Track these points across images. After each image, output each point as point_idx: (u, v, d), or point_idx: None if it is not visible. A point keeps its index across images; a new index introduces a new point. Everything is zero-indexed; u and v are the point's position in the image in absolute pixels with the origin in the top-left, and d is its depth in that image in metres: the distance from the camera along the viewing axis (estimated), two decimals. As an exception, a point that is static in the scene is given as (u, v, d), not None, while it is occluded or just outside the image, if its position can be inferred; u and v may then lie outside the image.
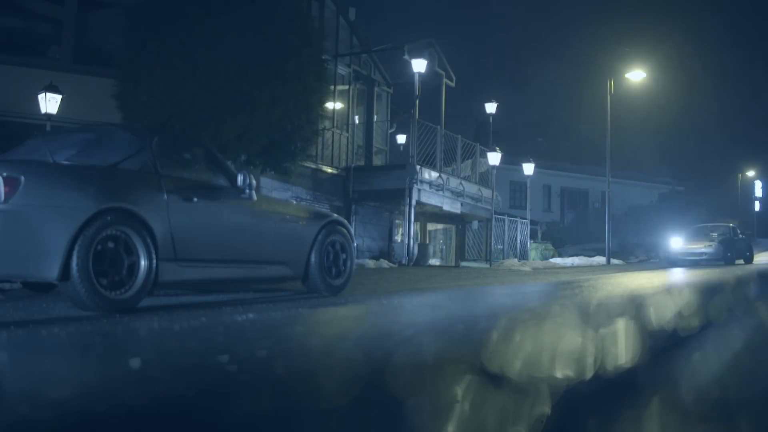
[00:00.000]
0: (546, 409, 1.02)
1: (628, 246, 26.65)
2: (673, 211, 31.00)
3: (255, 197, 5.33)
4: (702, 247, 18.19)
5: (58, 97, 11.97)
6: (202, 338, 1.60)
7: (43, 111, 11.88)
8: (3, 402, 0.82)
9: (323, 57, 11.79)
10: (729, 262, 17.76)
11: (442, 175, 17.60)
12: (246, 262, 5.35)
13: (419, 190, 16.76)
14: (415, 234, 18.53)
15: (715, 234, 19.38)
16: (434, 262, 20.41)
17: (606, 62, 24.81)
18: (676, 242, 18.73)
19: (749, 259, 19.76)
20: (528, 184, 22.19)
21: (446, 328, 1.51)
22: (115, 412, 0.77)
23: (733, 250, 18.47)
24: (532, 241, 23.32)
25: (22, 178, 3.99)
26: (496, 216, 20.72)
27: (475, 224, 21.43)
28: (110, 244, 4.21)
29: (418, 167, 16.51)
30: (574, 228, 30.14)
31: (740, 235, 20.14)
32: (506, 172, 25.45)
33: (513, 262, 18.40)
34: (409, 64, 16.57)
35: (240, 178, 5.22)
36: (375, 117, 19.60)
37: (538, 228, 26.62)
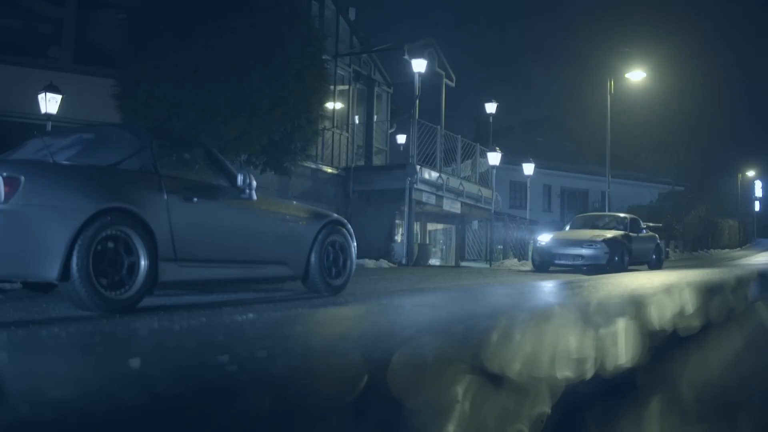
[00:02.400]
0: (546, 408, 1.02)
1: None
2: (673, 211, 31.03)
3: (255, 197, 5.33)
4: (578, 248, 13.15)
5: (58, 97, 11.97)
6: (202, 338, 1.60)
7: (43, 111, 11.87)
8: (3, 402, 0.82)
9: (323, 57, 11.79)
10: (617, 268, 12.83)
11: (442, 175, 17.61)
12: (246, 262, 5.35)
13: (419, 190, 16.77)
14: (415, 234, 18.54)
15: (602, 229, 14.47)
16: (434, 262, 20.41)
17: (606, 62, 24.85)
18: (546, 239, 13.72)
19: (656, 264, 14.93)
20: (528, 184, 22.19)
21: (446, 328, 1.51)
22: (115, 412, 0.77)
23: (624, 253, 13.29)
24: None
25: (22, 178, 3.99)
26: (496, 216, 20.74)
27: (475, 224, 21.44)
28: (110, 244, 4.21)
29: (418, 167, 16.52)
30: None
31: (644, 231, 15.23)
32: (506, 172, 25.44)
33: (513, 262, 18.40)
34: (409, 64, 16.58)
35: (240, 178, 5.22)
36: (375, 117, 19.60)
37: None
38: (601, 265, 12.82)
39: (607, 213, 18.13)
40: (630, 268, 13.60)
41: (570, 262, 13.16)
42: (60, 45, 14.62)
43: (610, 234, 13.65)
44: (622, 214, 16.15)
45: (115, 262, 4.23)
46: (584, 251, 13.06)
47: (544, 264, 13.41)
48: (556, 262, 13.28)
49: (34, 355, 1.44)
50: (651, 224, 18.05)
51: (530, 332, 1.21)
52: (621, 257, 13.12)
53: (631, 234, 14.18)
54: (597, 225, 15.08)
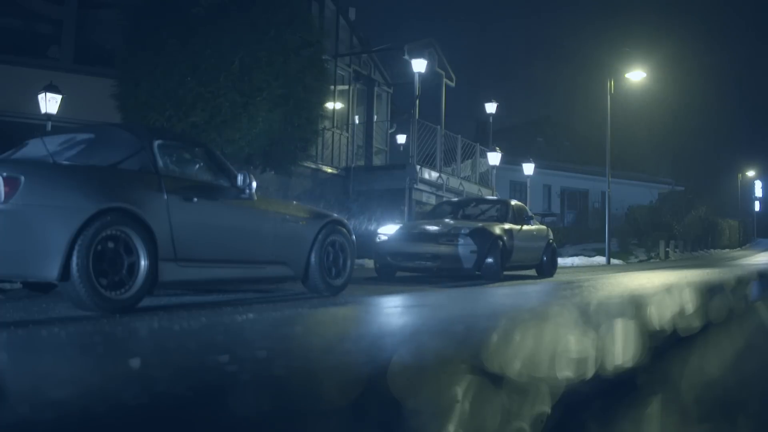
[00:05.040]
0: (546, 408, 1.02)
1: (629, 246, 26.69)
2: (673, 211, 31.03)
3: (255, 197, 5.34)
4: (432, 244, 8.86)
5: (58, 97, 11.97)
6: (202, 338, 1.60)
7: (43, 111, 11.87)
8: (3, 402, 0.82)
9: (323, 57, 11.80)
10: (491, 274, 8.80)
11: (442, 175, 17.62)
12: (246, 262, 5.35)
13: (419, 190, 16.77)
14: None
15: (472, 219, 10.04)
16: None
17: (606, 62, 24.84)
18: (389, 233, 9.31)
19: (548, 269, 10.80)
20: (528, 184, 22.19)
21: (446, 328, 1.51)
22: (115, 412, 0.77)
23: (502, 252, 9.07)
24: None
25: (22, 178, 3.99)
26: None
27: (475, 224, 21.41)
28: (110, 244, 4.21)
29: (418, 167, 16.53)
30: (574, 228, 30.15)
31: (532, 223, 10.61)
32: (506, 172, 25.45)
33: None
34: (409, 64, 16.59)
35: (240, 178, 5.22)
36: (375, 117, 19.61)
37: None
38: (466, 270, 8.75)
39: (483, 197, 14.00)
40: (509, 274, 9.80)
41: (422, 265, 8.91)
42: (60, 45, 14.61)
43: (481, 224, 9.35)
44: (512, 201, 11.08)
45: (115, 262, 4.24)
46: (441, 249, 8.79)
47: (388, 268, 9.16)
48: (402, 265, 9.05)
49: (34, 355, 1.44)
50: (540, 213, 13.99)
51: (530, 332, 1.21)
52: (498, 258, 8.94)
53: (513, 227, 9.78)
54: (468, 214, 10.57)
